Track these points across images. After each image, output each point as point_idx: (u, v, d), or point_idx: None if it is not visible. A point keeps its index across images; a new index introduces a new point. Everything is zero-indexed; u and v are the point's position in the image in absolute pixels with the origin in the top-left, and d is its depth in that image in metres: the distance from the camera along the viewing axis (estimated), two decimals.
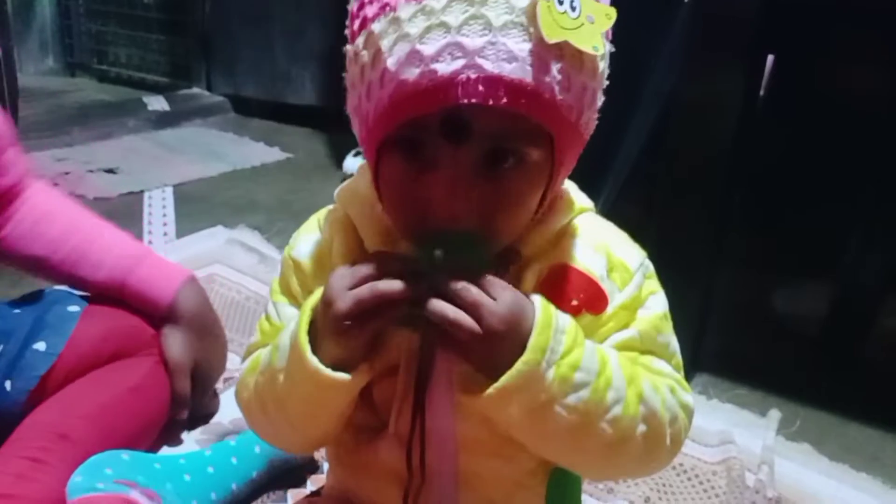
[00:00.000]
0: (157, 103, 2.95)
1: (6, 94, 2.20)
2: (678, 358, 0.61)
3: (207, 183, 2.26)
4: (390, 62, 0.47)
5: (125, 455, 0.89)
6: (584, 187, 0.62)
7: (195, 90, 3.14)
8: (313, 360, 0.52)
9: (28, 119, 2.44)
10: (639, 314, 0.58)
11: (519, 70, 0.46)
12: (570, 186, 0.60)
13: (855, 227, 1.51)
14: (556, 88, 0.48)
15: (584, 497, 0.70)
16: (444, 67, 0.46)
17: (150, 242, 1.79)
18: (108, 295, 1.04)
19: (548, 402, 0.50)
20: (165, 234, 1.86)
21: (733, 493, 1.04)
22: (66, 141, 2.53)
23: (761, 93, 1.45)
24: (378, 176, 0.53)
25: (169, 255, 1.70)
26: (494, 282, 0.50)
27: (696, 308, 1.30)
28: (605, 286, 0.57)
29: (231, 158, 2.47)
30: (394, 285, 0.49)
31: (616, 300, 0.57)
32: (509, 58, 0.46)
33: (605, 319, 0.57)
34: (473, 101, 0.46)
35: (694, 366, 1.35)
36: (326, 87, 2.77)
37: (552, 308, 0.51)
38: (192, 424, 1.11)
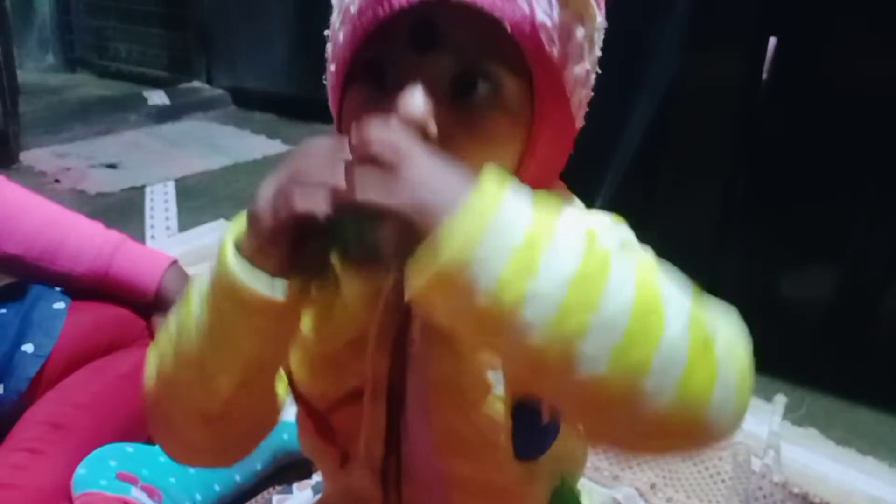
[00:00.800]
0: (157, 98, 2.95)
1: (6, 91, 2.20)
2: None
3: (209, 177, 2.26)
4: None
5: (129, 447, 0.89)
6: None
7: (195, 84, 3.14)
8: (231, 254, 0.43)
9: (29, 115, 2.44)
10: None
11: None
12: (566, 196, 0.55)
13: (860, 213, 1.50)
14: (537, 7, 0.44)
15: (589, 484, 0.70)
16: None
17: (152, 237, 1.79)
18: (91, 287, 1.02)
19: (530, 245, 0.37)
20: (168, 228, 1.86)
21: (739, 477, 1.04)
22: (67, 137, 2.53)
23: (764, 76, 1.44)
24: (340, 125, 0.49)
25: (171, 249, 1.69)
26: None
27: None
28: None
29: (232, 152, 2.47)
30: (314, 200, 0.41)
31: None
32: None
33: None
34: None
35: None
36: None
37: None
38: None
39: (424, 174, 0.39)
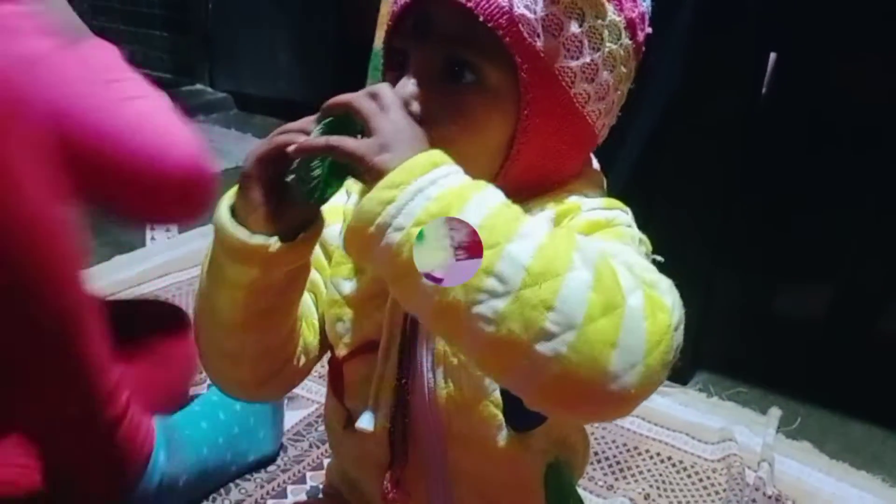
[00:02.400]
0: None
1: None
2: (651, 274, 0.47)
3: None
4: None
5: None
6: None
7: (198, 87, 3.14)
8: (223, 209, 0.51)
9: None
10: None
11: None
12: (581, 198, 0.56)
13: (857, 229, 1.51)
14: (517, 0, 0.49)
15: (583, 493, 0.70)
16: None
17: (152, 238, 1.80)
18: None
19: (445, 201, 0.43)
20: (168, 230, 1.86)
21: (733, 490, 1.05)
22: None
23: (763, 90, 1.45)
24: None
25: (171, 251, 1.70)
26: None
27: (696, 308, 1.30)
28: None
29: (234, 155, 2.46)
30: (289, 135, 0.51)
31: None
32: None
33: None
34: None
35: (694, 363, 1.35)
36: (329, 84, 2.77)
37: None
38: None
39: (396, 126, 0.46)
